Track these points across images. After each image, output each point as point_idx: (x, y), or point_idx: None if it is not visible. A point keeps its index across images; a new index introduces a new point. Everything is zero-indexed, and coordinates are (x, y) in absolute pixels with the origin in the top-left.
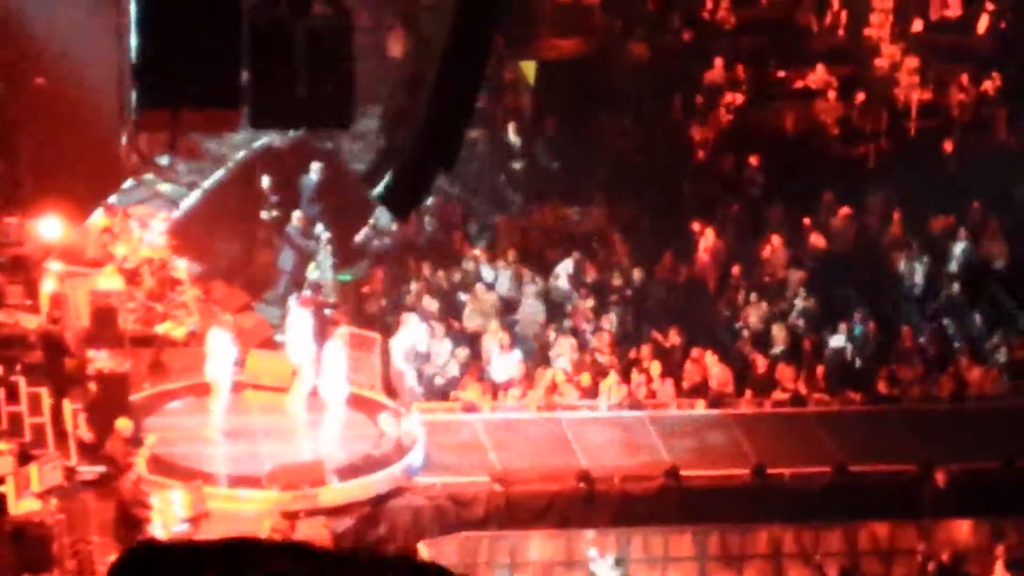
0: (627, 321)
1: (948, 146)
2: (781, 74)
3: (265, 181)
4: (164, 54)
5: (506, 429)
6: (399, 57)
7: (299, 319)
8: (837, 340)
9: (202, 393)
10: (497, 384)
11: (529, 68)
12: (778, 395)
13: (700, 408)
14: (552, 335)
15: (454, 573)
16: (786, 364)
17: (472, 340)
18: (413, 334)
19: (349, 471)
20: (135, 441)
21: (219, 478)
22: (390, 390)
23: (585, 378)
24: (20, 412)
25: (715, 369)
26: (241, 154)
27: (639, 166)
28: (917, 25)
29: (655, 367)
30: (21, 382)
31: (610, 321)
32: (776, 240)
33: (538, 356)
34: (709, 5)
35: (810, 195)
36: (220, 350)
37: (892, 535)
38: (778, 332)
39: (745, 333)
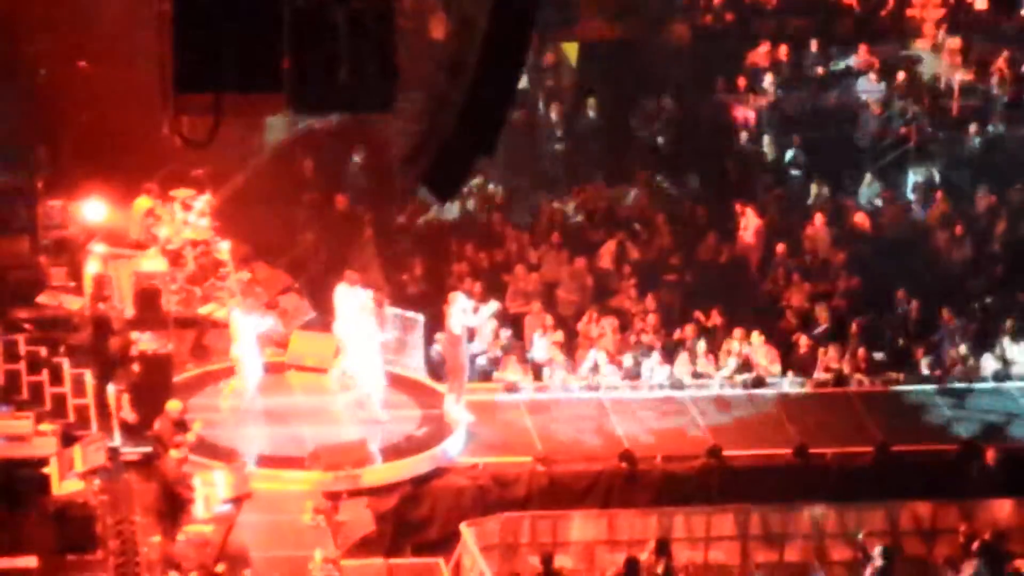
0: (670, 301)
1: (990, 126)
2: (823, 54)
3: (307, 164)
4: (205, 37)
5: (548, 409)
6: (441, 40)
7: (344, 297)
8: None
9: None
10: (539, 364)
11: (571, 50)
12: (820, 375)
13: (742, 388)
14: (595, 315)
15: None
16: (829, 344)
17: (515, 321)
18: (462, 312)
19: (392, 451)
20: (182, 424)
21: (262, 459)
22: (433, 371)
23: (627, 358)
24: (64, 393)
25: (758, 349)
26: (283, 137)
27: (681, 147)
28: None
29: (698, 347)
30: (65, 363)
31: (653, 302)
32: (819, 220)
33: (580, 336)
34: None
35: (852, 176)
36: (244, 331)
37: (934, 515)
38: (821, 312)
39: (788, 313)
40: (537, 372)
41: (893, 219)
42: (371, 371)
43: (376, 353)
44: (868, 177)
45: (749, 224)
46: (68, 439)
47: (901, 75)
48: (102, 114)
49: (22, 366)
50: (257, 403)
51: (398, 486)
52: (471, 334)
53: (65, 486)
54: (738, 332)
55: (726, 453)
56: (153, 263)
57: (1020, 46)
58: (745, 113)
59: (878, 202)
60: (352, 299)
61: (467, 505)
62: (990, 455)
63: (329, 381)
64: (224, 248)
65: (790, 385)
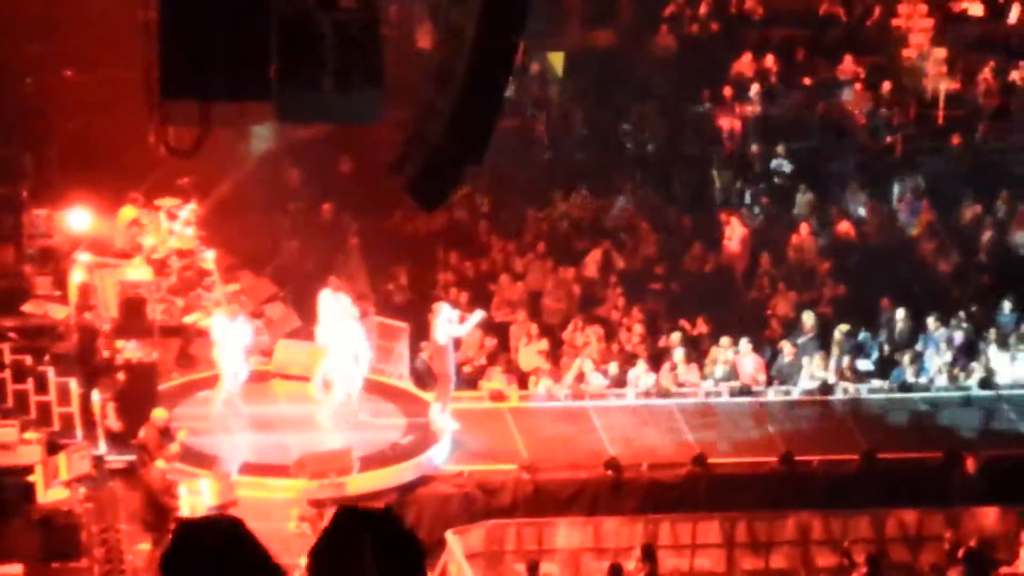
0: (655, 310)
1: (976, 135)
2: (809, 64)
3: (293, 173)
4: (191, 46)
5: (534, 418)
6: (428, 49)
7: (327, 303)
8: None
9: None
10: (525, 373)
11: (557, 59)
12: (806, 383)
13: (728, 396)
14: (580, 324)
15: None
16: (814, 352)
17: (500, 330)
18: (447, 322)
19: (377, 459)
20: (167, 432)
21: (247, 467)
22: (419, 380)
23: (613, 367)
24: (49, 402)
25: (745, 358)
26: (268, 146)
27: (667, 156)
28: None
29: (683, 355)
30: (50, 372)
31: (639, 310)
32: (804, 229)
33: (566, 345)
34: None
35: (838, 185)
36: (225, 337)
37: (920, 522)
38: (807, 320)
39: (773, 322)
40: (522, 381)
41: (879, 228)
42: (351, 376)
43: (358, 358)
44: (854, 186)
45: (734, 233)
46: (53, 447)
47: (887, 85)
48: (88, 123)
49: (7, 374)
50: (242, 411)
51: (383, 494)
52: (457, 343)
53: (50, 494)
54: (725, 340)
55: (712, 461)
56: (138, 272)
57: (1006, 56)
58: (731, 122)
59: (863, 211)
60: (335, 305)
61: (453, 513)
62: (970, 463)
63: (312, 388)
64: (209, 257)
65: (776, 393)
